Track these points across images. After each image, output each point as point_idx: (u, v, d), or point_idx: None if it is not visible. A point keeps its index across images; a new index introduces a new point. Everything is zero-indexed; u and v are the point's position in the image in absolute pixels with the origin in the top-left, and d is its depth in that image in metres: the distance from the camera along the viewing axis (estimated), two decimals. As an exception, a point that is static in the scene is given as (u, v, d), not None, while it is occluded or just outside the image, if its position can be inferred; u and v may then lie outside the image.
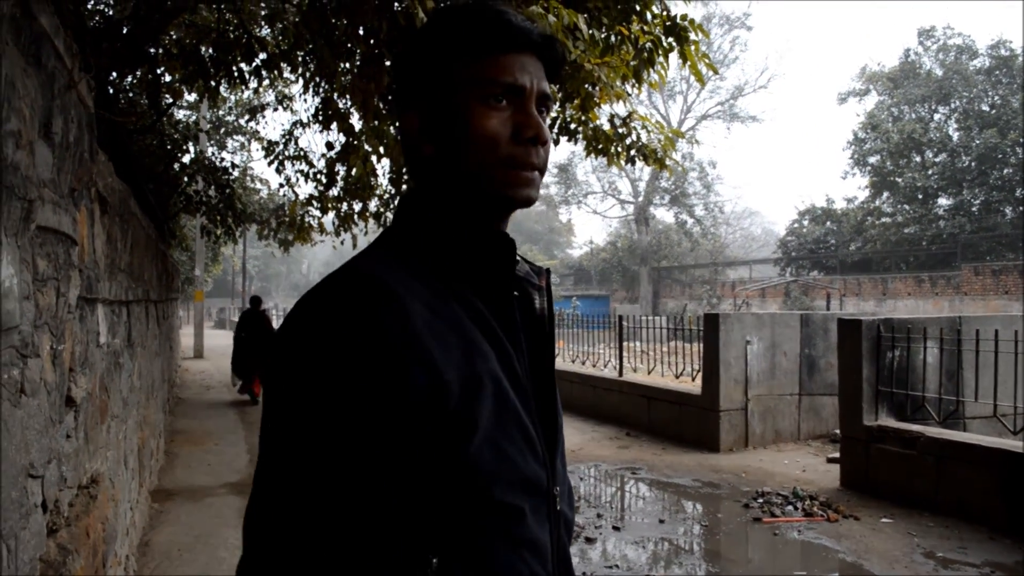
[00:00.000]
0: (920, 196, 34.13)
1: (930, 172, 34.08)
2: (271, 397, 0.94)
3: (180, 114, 13.02)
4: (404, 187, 9.59)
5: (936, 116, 36.24)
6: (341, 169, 9.50)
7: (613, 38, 5.76)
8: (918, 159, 35.18)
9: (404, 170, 8.91)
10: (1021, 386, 6.16)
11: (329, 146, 9.12)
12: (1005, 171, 31.92)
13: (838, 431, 7.84)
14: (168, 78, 7.44)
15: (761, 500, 6.58)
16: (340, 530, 0.88)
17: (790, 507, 6.39)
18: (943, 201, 34.48)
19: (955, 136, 34.40)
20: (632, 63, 6.06)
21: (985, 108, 33.80)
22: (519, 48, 1.03)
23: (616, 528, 5.90)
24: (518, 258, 1.11)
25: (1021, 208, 31.87)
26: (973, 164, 32.72)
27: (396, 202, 10.63)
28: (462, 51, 1.03)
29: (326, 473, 0.88)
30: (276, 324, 18.61)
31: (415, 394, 0.89)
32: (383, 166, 9.51)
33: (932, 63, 36.89)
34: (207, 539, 5.42)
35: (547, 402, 1.09)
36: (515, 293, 1.09)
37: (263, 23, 7.95)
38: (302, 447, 0.89)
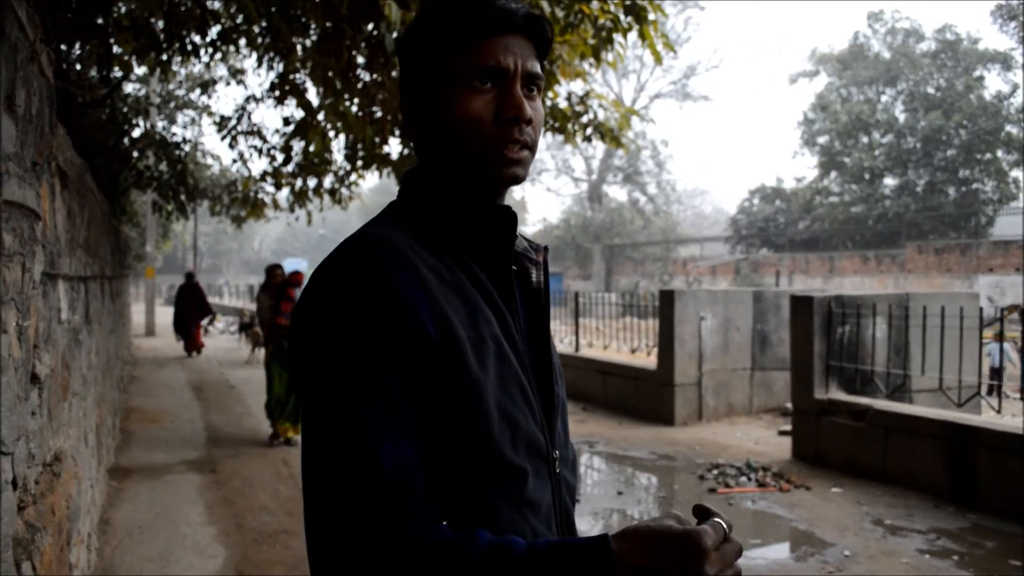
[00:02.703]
0: (867, 176, 34.79)
1: (877, 153, 34.74)
2: (304, 358, 0.97)
3: (129, 88, 12.74)
4: (360, 163, 9.54)
5: (883, 98, 36.91)
6: (296, 145, 9.41)
7: (573, 16, 5.78)
8: (865, 140, 35.82)
9: (360, 146, 8.87)
10: (965, 360, 6.38)
11: (286, 122, 9.02)
12: (949, 152, 32.67)
13: (789, 404, 8.04)
14: (118, 50, 7.27)
15: (716, 472, 6.74)
16: (390, 469, 0.89)
17: (744, 478, 6.56)
18: (889, 181, 35.22)
19: (901, 118, 35.08)
20: (591, 42, 6.10)
21: (930, 90, 34.51)
22: (504, 30, 1.06)
23: (575, 501, 6.00)
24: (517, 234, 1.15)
25: (964, 189, 32.71)
26: (918, 145, 33.44)
27: (351, 178, 10.57)
28: (449, 36, 1.06)
29: (368, 412, 0.91)
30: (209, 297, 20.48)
31: (432, 346, 0.94)
32: (339, 142, 9.43)
33: (880, 46, 37.50)
34: (168, 516, 5.39)
35: (544, 370, 1.13)
36: (513, 267, 1.14)
37: (216, -5, 7.80)
38: (341, 393, 0.92)
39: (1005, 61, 33.17)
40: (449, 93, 1.05)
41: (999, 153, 31.90)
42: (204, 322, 20.20)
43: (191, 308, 16.68)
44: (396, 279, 0.94)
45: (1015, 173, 32.29)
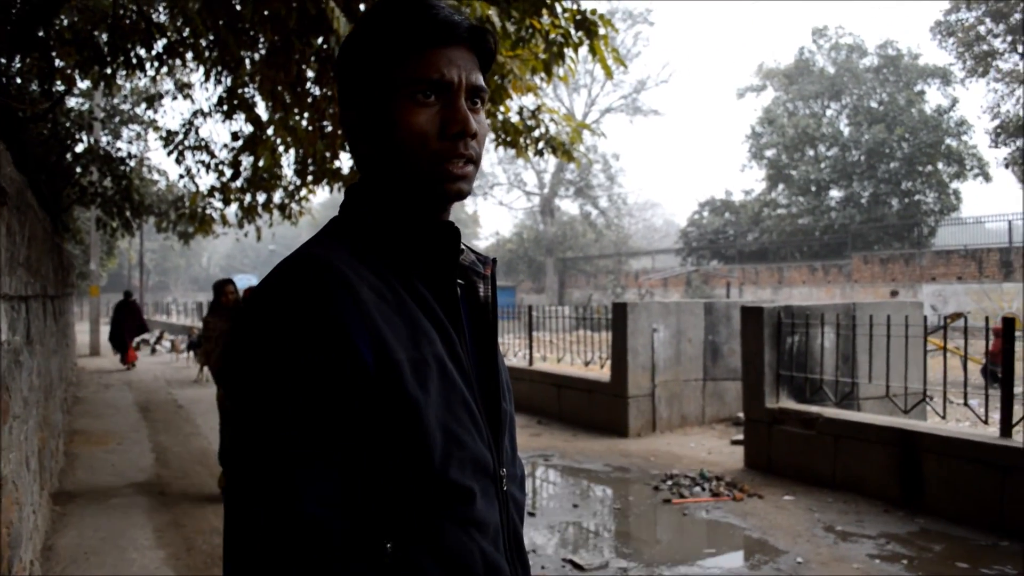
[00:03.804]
0: (813, 188, 35.48)
1: (823, 165, 35.47)
2: (240, 383, 0.95)
3: (72, 102, 12.51)
4: (310, 178, 9.47)
5: (828, 112, 37.73)
6: (246, 160, 9.30)
7: (524, 31, 5.81)
8: (811, 153, 36.55)
9: (310, 161, 8.80)
10: (911, 368, 6.51)
11: (235, 136, 8.91)
12: (892, 165, 33.48)
13: (741, 414, 8.14)
14: (60, 64, 7.13)
15: (670, 482, 6.78)
16: (311, 512, 0.88)
17: (698, 488, 6.60)
18: (835, 193, 35.95)
19: (846, 131, 35.89)
20: (542, 56, 6.13)
21: (874, 104, 35.36)
22: (447, 42, 1.04)
23: (531, 514, 5.99)
24: (464, 247, 1.13)
25: (906, 200, 33.52)
26: (862, 158, 34.20)
27: (300, 193, 10.48)
28: (390, 49, 1.04)
29: (294, 452, 0.89)
30: (145, 313, 22.54)
31: (370, 373, 0.92)
32: (289, 157, 9.36)
33: (825, 61, 38.36)
34: (115, 541, 5.25)
35: (490, 386, 1.11)
36: (460, 281, 1.12)
37: (162, 8, 7.70)
38: (269, 429, 0.90)
39: (944, 76, 34.17)
40: (392, 106, 1.03)
41: (940, 165, 32.79)
42: (151, 339, 22.25)
43: (127, 324, 17.90)
44: (334, 307, 0.92)
45: (955, 185, 33.20)
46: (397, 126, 1.03)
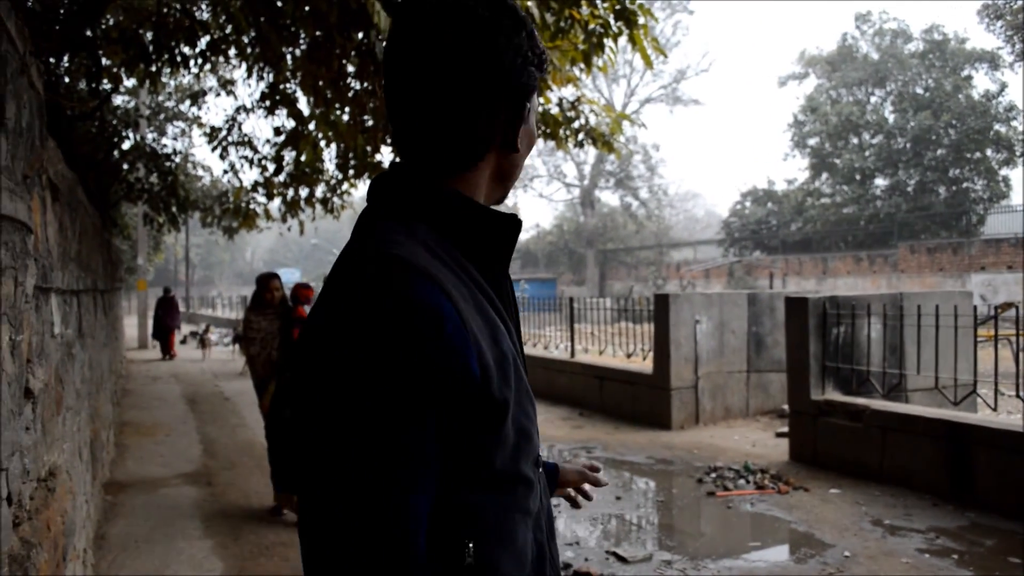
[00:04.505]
0: (858, 177, 34.91)
1: (867, 153, 34.88)
2: (341, 401, 0.88)
3: (118, 100, 12.73)
4: (351, 172, 9.54)
5: (872, 99, 37.06)
6: (288, 155, 9.41)
7: (563, 22, 5.79)
8: (855, 141, 35.95)
9: (351, 155, 8.86)
10: (960, 359, 6.38)
11: (277, 132, 9.01)
12: (938, 152, 32.80)
13: (786, 406, 8.04)
14: (107, 62, 7.26)
15: (714, 475, 6.73)
16: (401, 520, 0.86)
17: (742, 481, 6.54)
18: (880, 181, 35.33)
19: (891, 118, 35.21)
20: (582, 47, 6.10)
21: (919, 91, 34.65)
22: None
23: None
24: None
25: (954, 188, 32.83)
26: (908, 145, 33.55)
27: (342, 187, 10.56)
28: (532, 64, 1.08)
29: (392, 466, 0.87)
30: (182, 307, 24.11)
31: (473, 381, 0.90)
32: (330, 151, 9.44)
33: (868, 47, 37.66)
34: (164, 530, 5.36)
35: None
36: None
37: (205, 5, 7.79)
38: (382, 451, 0.87)
39: (992, 60, 33.35)
40: (524, 117, 1.09)
41: (988, 152, 32.06)
42: (199, 331, 23.75)
43: (167, 318, 19.61)
44: (440, 319, 0.88)
45: (1005, 171, 32.44)
46: (530, 136, 1.13)
